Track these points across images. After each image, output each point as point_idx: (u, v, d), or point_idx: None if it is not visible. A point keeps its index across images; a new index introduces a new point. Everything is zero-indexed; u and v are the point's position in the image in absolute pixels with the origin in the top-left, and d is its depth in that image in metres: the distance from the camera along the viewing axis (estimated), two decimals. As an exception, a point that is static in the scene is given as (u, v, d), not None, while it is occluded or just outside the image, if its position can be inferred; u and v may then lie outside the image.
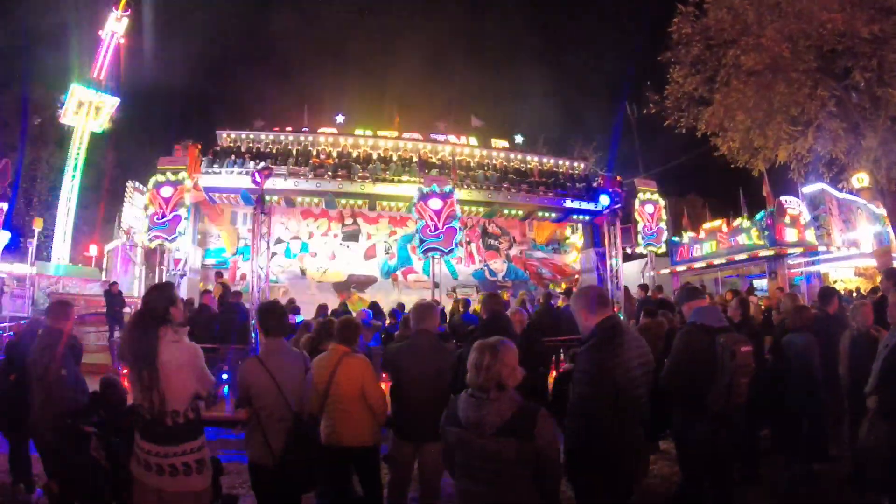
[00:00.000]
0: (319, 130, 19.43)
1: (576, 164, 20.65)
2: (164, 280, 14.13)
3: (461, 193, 16.05)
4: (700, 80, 13.58)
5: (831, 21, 11.22)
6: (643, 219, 16.75)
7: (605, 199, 14.78)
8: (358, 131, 19.92)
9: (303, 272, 19.17)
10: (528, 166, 19.70)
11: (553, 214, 19.33)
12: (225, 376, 7.98)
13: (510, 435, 2.38)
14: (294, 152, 17.78)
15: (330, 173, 16.53)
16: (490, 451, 2.40)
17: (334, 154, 17.98)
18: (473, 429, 2.43)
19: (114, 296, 13.64)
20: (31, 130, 31.26)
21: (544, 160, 20.53)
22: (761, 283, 18.71)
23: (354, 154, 18.18)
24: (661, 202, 17.45)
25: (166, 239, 13.88)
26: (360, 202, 17.83)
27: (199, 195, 16.14)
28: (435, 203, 14.57)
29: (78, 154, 28.77)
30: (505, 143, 21.70)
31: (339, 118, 21.18)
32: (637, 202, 16.87)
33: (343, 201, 17.72)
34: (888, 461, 3.63)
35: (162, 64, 34.81)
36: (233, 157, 16.73)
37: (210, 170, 16.11)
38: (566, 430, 3.05)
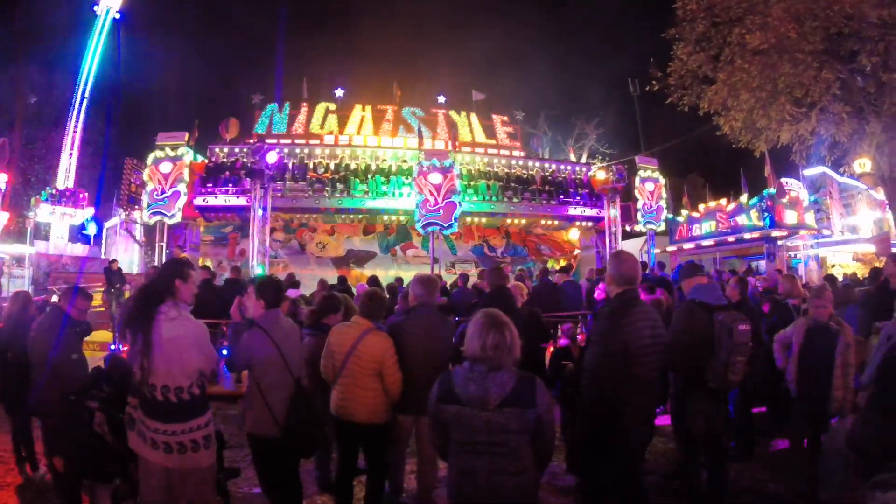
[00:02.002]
0: (315, 142, 19.03)
1: (578, 169, 20.36)
2: (163, 256, 14.16)
3: (463, 205, 15.84)
4: (704, 58, 13.48)
5: (839, 2, 11.08)
6: (643, 196, 16.73)
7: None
8: (357, 140, 19.68)
9: (302, 247, 19.11)
10: (531, 172, 19.31)
11: (556, 222, 19.30)
12: (225, 352, 7.98)
13: (513, 405, 2.40)
14: (290, 165, 17.36)
15: (328, 188, 16.30)
16: (495, 424, 2.41)
17: (332, 166, 17.58)
18: (476, 403, 2.42)
19: (114, 273, 13.66)
20: (28, 109, 30.95)
21: (546, 165, 20.15)
22: (759, 265, 18.71)
23: (353, 166, 17.73)
24: (662, 180, 17.41)
25: (165, 215, 13.84)
26: (360, 216, 17.73)
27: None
28: (435, 177, 14.50)
29: (75, 132, 28.50)
30: (505, 118, 21.54)
31: (339, 91, 21.02)
32: (637, 179, 16.82)
33: (342, 217, 17.67)
34: (882, 459, 3.47)
35: (160, 40, 34.36)
36: (227, 173, 16.34)
37: (204, 190, 15.80)
38: (581, 391, 3.18)
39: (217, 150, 17.78)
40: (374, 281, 9.39)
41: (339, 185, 16.43)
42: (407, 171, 16.84)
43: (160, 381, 2.92)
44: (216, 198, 15.74)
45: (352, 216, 17.63)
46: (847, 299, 8.18)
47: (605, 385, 2.99)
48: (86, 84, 28.76)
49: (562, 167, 20.05)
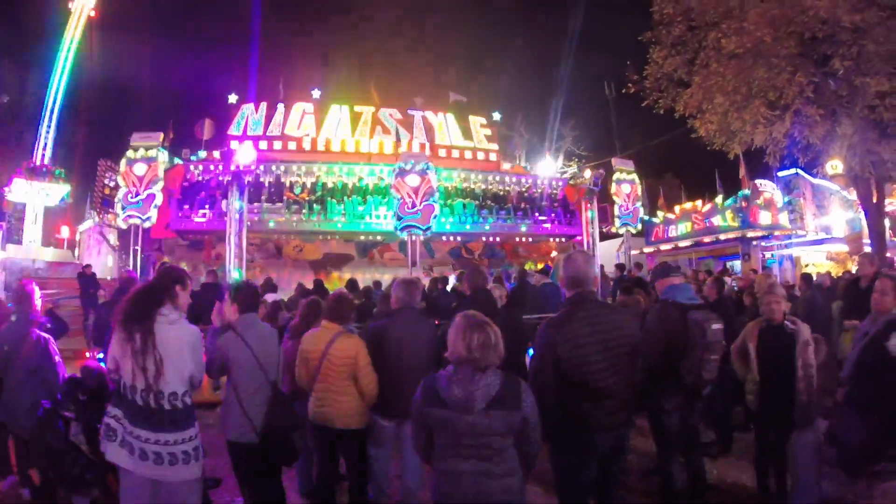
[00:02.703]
0: (291, 160, 18.77)
1: (554, 183, 20.39)
2: (138, 261, 13.92)
3: (438, 223, 15.89)
4: (680, 61, 13.60)
5: (814, 8, 11.27)
6: (619, 198, 16.85)
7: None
8: (335, 145, 19.74)
9: (278, 250, 18.93)
10: (506, 188, 19.37)
11: (530, 239, 19.60)
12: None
13: (499, 407, 2.40)
14: (266, 183, 17.16)
15: (305, 211, 16.30)
16: (480, 427, 2.40)
17: (308, 184, 17.41)
18: (461, 406, 2.40)
19: (87, 278, 13.38)
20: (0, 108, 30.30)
21: (523, 180, 20.19)
22: (735, 265, 19.05)
23: (329, 185, 17.49)
24: (638, 182, 17.58)
25: (140, 218, 13.58)
26: (337, 236, 17.86)
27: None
28: (412, 180, 14.44)
29: (48, 133, 27.96)
30: (483, 120, 21.61)
31: (316, 92, 20.90)
32: (613, 181, 16.95)
33: (321, 236, 17.70)
34: (865, 454, 3.53)
35: (134, 39, 33.85)
36: (203, 193, 16.13)
37: (181, 212, 15.64)
38: None
39: (192, 168, 17.29)
40: (352, 284, 9.33)
41: (317, 207, 16.45)
42: (384, 189, 16.85)
43: (155, 385, 2.82)
44: (193, 221, 15.74)
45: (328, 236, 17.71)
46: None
47: (544, 392, 2.89)
48: (59, 82, 28.28)
49: (538, 181, 20.22)
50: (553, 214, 18.38)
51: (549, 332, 3.02)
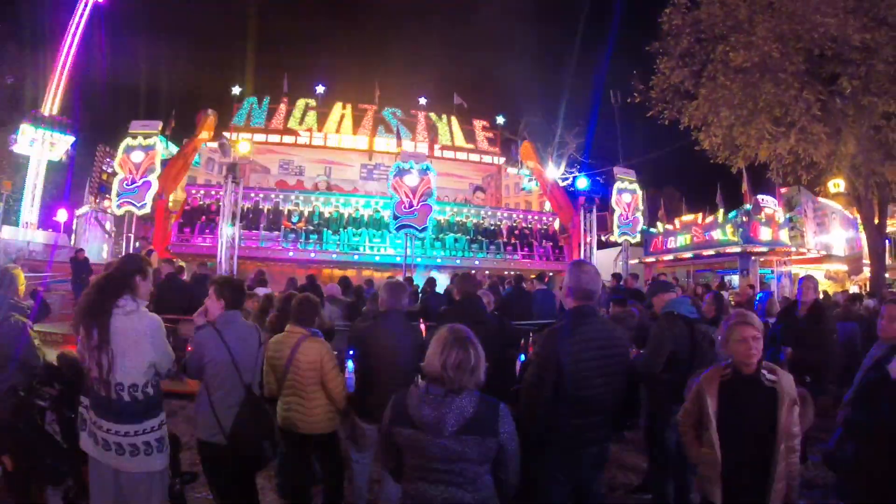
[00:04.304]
0: (287, 192, 19.35)
1: (546, 219, 21.08)
2: (131, 248, 13.83)
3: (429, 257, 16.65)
4: (687, 73, 13.52)
5: (824, 25, 11.21)
6: (620, 207, 16.83)
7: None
8: (336, 142, 19.52)
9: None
10: (498, 223, 20.19)
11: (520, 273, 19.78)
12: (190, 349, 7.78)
13: (473, 432, 2.22)
14: (265, 210, 17.92)
15: (302, 240, 16.97)
16: (452, 452, 2.22)
17: (305, 213, 18.15)
18: (432, 429, 2.23)
19: (80, 263, 13.27)
20: (3, 91, 30.24)
21: (515, 215, 20.97)
22: (732, 279, 18.99)
23: (326, 214, 18.31)
24: (639, 191, 17.54)
25: (135, 205, 13.52)
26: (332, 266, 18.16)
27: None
28: (411, 179, 14.44)
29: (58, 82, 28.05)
30: (486, 123, 21.60)
31: (320, 88, 20.91)
32: (615, 190, 16.91)
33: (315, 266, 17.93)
34: (864, 480, 3.34)
35: (141, 30, 33.85)
36: (203, 218, 16.76)
37: (181, 235, 16.26)
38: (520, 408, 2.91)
39: (194, 190, 18.18)
40: (344, 283, 9.25)
41: (314, 237, 17.19)
42: (379, 220, 17.51)
43: (115, 377, 2.81)
44: (192, 244, 16.29)
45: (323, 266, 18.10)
46: (847, 315, 8.15)
47: (537, 403, 2.82)
48: (64, 67, 28.30)
49: (529, 217, 20.96)
50: (542, 250, 19.00)
51: (552, 344, 2.89)
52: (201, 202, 17.78)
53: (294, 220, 17.69)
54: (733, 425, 2.69)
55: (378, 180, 21.92)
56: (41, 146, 27.15)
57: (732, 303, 10.52)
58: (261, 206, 17.98)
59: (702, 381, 2.84)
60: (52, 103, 27.79)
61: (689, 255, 20.07)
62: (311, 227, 17.46)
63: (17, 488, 3.82)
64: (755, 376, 2.70)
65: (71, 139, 28.10)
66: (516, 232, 19.78)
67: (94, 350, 2.81)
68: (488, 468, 2.30)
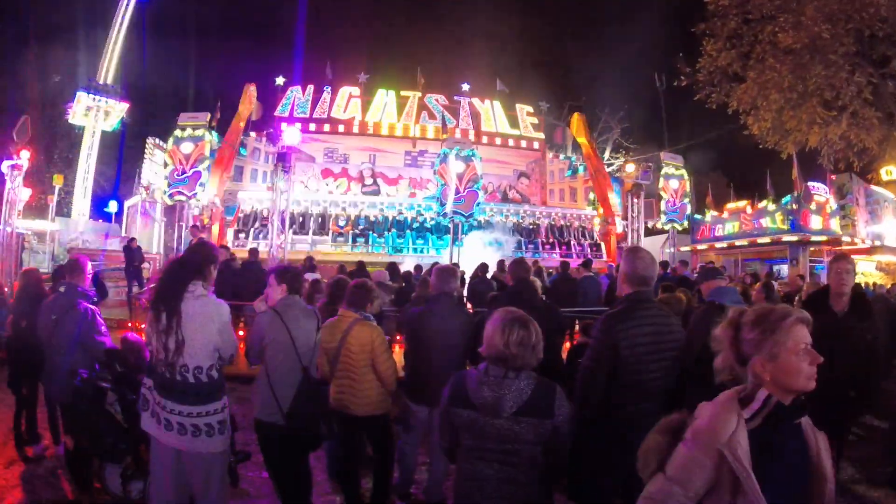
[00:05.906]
0: (335, 197, 20.00)
1: (584, 214, 20.93)
2: (182, 236, 14.27)
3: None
4: (735, 55, 13.18)
5: (874, 4, 10.77)
6: (667, 193, 16.51)
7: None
8: (381, 130, 19.73)
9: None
10: (536, 221, 20.28)
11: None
12: (241, 333, 8.00)
13: (529, 414, 2.26)
14: (314, 213, 18.62)
15: (350, 244, 17.63)
16: (508, 433, 2.26)
17: (352, 217, 18.81)
18: (490, 409, 2.27)
19: (133, 251, 13.76)
20: (51, 87, 31.31)
21: (554, 212, 20.91)
22: (781, 269, 18.43)
23: (371, 217, 18.91)
24: (686, 177, 17.15)
25: (186, 195, 13.92)
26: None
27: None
28: (457, 166, 14.42)
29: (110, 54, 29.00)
30: (530, 108, 21.41)
31: (363, 76, 21.01)
32: (662, 176, 16.58)
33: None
34: None
35: (184, 24, 34.57)
36: (257, 224, 17.59)
37: (236, 241, 16.88)
38: (573, 393, 2.92)
39: (246, 197, 18.99)
40: (392, 268, 9.35)
41: (360, 240, 17.85)
42: (423, 223, 17.92)
43: (181, 359, 2.90)
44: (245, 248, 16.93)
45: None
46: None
47: (594, 387, 2.82)
48: (109, 63, 29.14)
49: (568, 214, 20.90)
50: (580, 248, 18.84)
51: (610, 328, 2.89)
52: (254, 207, 18.63)
53: (341, 224, 18.30)
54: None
55: (421, 167, 21.98)
56: (96, 115, 28.07)
57: (781, 294, 10.24)
58: (309, 211, 18.69)
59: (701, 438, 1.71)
60: (105, 73, 28.76)
61: (737, 242, 19.56)
62: (357, 231, 18.15)
63: (78, 466, 4.02)
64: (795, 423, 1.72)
65: (125, 106, 28.89)
66: (555, 230, 19.89)
67: (162, 333, 2.89)
68: (541, 450, 2.32)
